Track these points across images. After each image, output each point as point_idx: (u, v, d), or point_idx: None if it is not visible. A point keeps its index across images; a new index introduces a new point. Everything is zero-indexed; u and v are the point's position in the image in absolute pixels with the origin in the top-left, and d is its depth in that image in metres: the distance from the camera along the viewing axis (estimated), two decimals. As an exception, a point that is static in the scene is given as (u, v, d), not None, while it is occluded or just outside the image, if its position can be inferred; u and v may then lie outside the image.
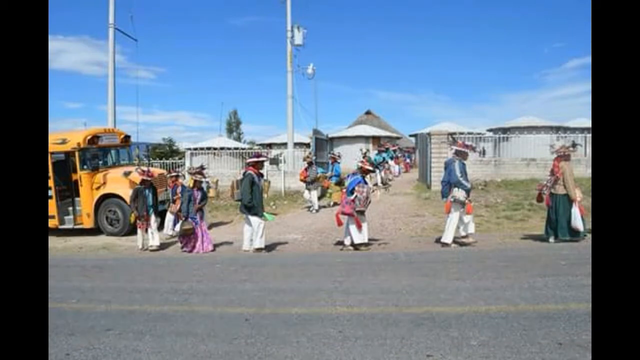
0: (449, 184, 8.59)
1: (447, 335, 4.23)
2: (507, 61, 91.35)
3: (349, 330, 4.51)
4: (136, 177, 11.02)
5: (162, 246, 10.56)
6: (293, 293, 5.91)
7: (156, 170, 12.93)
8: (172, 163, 23.24)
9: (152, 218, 10.34)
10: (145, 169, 10.91)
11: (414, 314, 4.85)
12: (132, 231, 11.67)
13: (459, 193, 8.39)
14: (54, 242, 12.15)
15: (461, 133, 21.85)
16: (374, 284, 6.10)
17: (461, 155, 8.76)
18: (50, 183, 12.54)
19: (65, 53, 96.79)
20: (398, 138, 37.48)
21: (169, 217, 11.66)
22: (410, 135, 39.05)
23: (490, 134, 25.01)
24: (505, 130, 24.64)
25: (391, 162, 22.22)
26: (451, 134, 18.35)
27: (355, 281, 6.34)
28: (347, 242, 8.89)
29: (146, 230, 10.39)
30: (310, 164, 14.56)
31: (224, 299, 5.85)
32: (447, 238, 8.64)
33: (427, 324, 4.54)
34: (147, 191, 10.38)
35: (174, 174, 12.09)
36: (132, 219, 10.73)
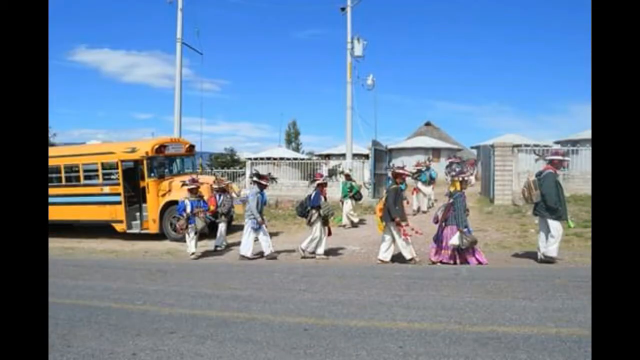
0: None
1: (514, 357, 4.02)
2: (577, 68, 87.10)
3: (410, 346, 4.39)
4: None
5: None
6: (352, 305, 5.84)
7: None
8: (233, 172, 23.88)
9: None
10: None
11: (478, 333, 4.65)
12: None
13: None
14: (122, 245, 12.80)
15: (526, 145, 20.98)
16: (436, 300, 5.92)
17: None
18: (120, 189, 13.23)
19: (138, 67, 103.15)
20: (459, 150, 36.65)
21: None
22: (472, 147, 38.10)
23: (558, 146, 23.89)
24: (574, 142, 23.49)
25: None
26: (516, 146, 17.71)
27: (415, 296, 6.18)
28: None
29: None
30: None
31: (283, 308, 5.88)
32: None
33: (493, 344, 4.34)
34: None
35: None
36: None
